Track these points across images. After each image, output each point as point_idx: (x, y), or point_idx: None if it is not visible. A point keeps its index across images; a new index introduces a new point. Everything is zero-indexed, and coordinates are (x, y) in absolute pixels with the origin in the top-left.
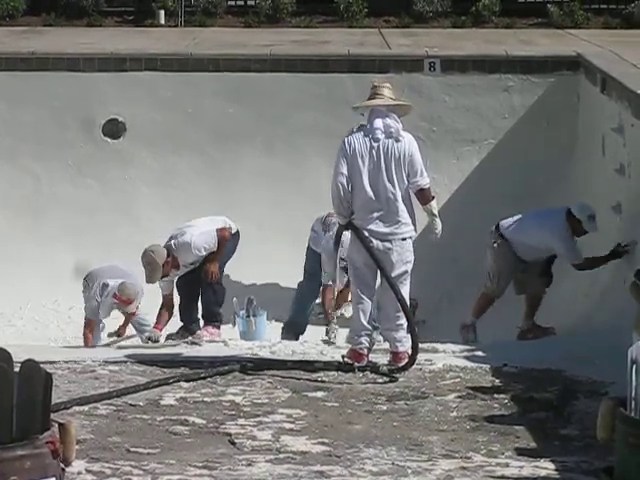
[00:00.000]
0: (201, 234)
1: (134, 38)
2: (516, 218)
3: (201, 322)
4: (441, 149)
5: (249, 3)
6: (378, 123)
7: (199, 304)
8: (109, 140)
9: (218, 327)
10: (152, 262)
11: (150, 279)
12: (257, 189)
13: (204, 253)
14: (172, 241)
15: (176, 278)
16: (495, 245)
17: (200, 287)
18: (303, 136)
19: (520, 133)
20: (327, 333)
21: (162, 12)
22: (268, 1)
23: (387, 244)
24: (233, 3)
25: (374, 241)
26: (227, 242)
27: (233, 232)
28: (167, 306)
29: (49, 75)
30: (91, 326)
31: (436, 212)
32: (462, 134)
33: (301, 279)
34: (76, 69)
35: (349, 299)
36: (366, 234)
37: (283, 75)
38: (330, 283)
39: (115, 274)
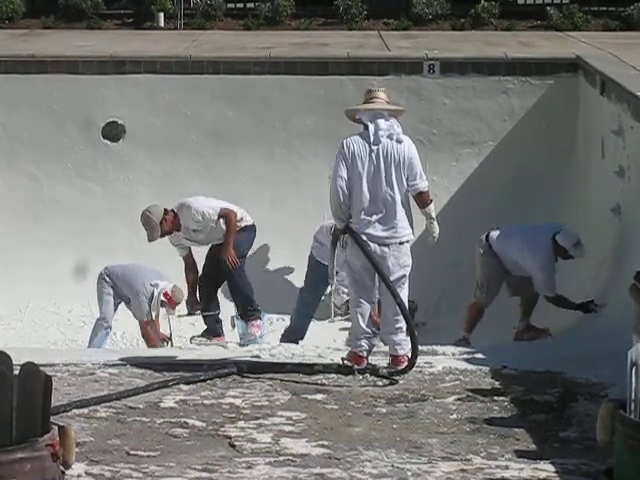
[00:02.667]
0: (205, 202)
1: (133, 41)
2: (506, 231)
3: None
4: (440, 151)
5: (248, 6)
6: (381, 125)
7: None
8: (108, 143)
9: (260, 318)
10: (149, 221)
11: (151, 237)
12: (256, 192)
13: (201, 220)
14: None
15: (188, 243)
16: (483, 255)
17: (218, 283)
18: (302, 139)
19: (519, 135)
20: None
21: (161, 15)
22: (267, 3)
23: (385, 248)
24: (232, 5)
25: (372, 245)
26: (234, 226)
27: (249, 224)
28: (189, 266)
29: (48, 78)
30: (148, 326)
31: (434, 215)
32: (461, 136)
33: (301, 286)
34: (75, 72)
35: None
36: (364, 238)
37: (282, 78)
38: None
39: (156, 276)
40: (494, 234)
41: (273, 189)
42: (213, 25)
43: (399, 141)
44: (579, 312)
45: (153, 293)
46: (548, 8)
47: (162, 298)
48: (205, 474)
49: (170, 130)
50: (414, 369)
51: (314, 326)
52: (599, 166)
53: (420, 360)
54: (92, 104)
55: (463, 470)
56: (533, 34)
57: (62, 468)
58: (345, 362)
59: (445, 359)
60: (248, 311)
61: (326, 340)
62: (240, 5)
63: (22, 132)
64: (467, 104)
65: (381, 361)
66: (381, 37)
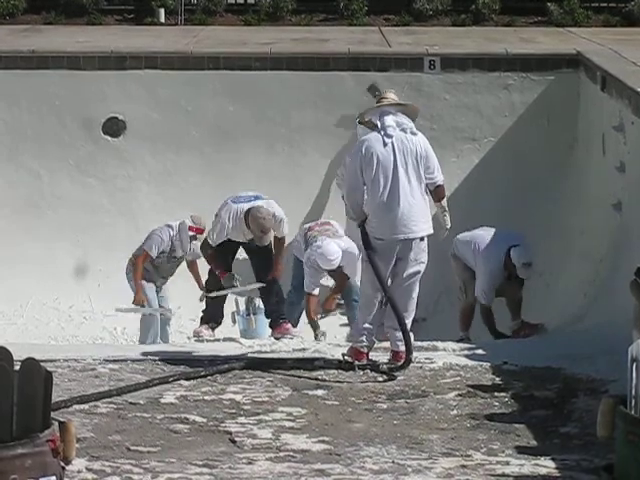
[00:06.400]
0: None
1: (134, 36)
2: (468, 235)
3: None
4: (441, 147)
5: (249, 1)
6: (390, 120)
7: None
8: (109, 138)
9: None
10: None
11: (266, 241)
12: (257, 187)
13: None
14: (273, 212)
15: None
16: (452, 258)
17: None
18: (303, 134)
19: (520, 131)
20: (316, 338)
21: (162, 10)
22: None
23: (405, 243)
24: (233, 1)
25: (391, 241)
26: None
27: None
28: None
29: (49, 73)
30: (144, 258)
31: (447, 208)
32: (462, 132)
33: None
34: (76, 67)
35: (333, 307)
36: (381, 237)
37: (283, 73)
38: (314, 292)
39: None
40: (461, 237)
41: (274, 184)
42: (214, 21)
43: (413, 133)
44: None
45: (174, 236)
46: (549, 4)
47: (191, 233)
48: (206, 470)
49: (171, 126)
50: (414, 365)
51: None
52: (600, 162)
53: (421, 356)
54: (93, 100)
55: (464, 466)
56: (534, 30)
57: (63, 464)
58: (345, 358)
59: (446, 355)
60: (280, 316)
61: (327, 336)
62: (241, 1)
63: (23, 128)
64: (468, 100)
65: (382, 357)
66: (382, 33)
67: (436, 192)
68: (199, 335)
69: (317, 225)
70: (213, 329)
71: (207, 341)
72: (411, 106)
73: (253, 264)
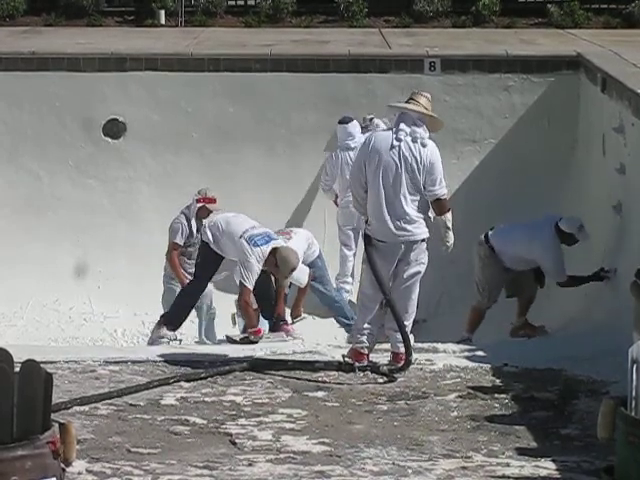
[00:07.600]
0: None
1: (134, 38)
2: (505, 229)
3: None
4: (441, 149)
5: (249, 3)
6: (403, 126)
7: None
8: (109, 140)
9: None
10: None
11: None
12: (257, 189)
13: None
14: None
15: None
16: (484, 257)
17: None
18: (303, 136)
19: (520, 133)
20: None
21: (162, 12)
22: (268, 1)
23: (405, 245)
24: (233, 3)
25: (392, 242)
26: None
27: None
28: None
29: (49, 75)
30: (173, 249)
31: (450, 225)
32: (462, 134)
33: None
34: (76, 69)
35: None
36: (382, 239)
37: (283, 75)
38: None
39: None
40: (493, 233)
41: (274, 186)
42: (214, 22)
43: (423, 145)
44: (595, 283)
45: (190, 218)
46: (549, 5)
47: (198, 205)
48: (206, 471)
49: (171, 127)
50: (415, 366)
51: (315, 323)
52: (600, 163)
53: (421, 357)
54: (93, 101)
55: (464, 467)
56: (534, 31)
57: (63, 465)
58: (346, 359)
59: (446, 356)
60: (279, 321)
61: (327, 337)
62: (241, 2)
63: (23, 129)
64: (468, 101)
65: (382, 358)
66: (382, 34)
67: (436, 205)
68: (162, 337)
69: (280, 233)
70: (173, 331)
71: (171, 340)
72: (435, 120)
73: (257, 293)
